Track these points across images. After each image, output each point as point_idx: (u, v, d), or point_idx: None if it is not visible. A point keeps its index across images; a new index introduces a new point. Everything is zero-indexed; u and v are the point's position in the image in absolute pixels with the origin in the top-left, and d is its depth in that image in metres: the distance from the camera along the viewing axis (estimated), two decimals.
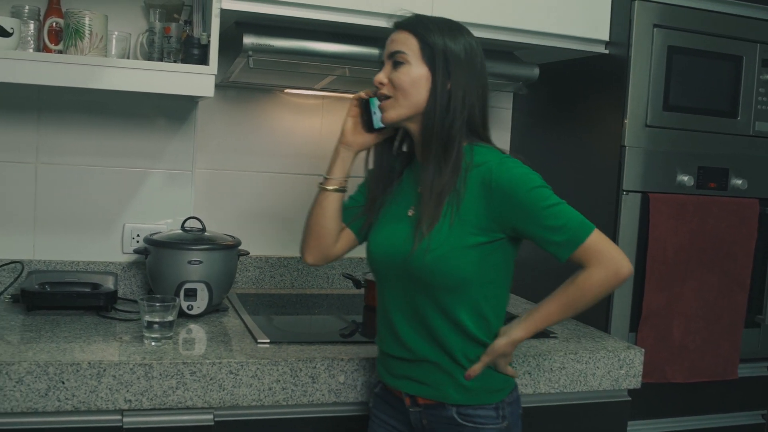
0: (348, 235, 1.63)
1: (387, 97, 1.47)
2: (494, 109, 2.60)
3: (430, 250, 1.41)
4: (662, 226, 2.09)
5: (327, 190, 1.58)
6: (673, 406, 2.20)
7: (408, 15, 1.50)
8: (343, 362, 1.71)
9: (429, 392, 1.48)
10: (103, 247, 2.22)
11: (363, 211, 1.60)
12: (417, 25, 1.46)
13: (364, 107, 1.55)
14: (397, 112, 1.47)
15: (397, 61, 1.46)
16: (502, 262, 1.47)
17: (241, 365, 1.64)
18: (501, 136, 2.61)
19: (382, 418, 1.59)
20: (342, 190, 1.59)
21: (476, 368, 1.46)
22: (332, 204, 1.58)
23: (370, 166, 1.61)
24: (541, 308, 1.45)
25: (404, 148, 1.59)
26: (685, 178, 2.13)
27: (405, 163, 1.59)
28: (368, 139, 1.58)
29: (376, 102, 1.51)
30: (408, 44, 1.45)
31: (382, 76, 1.48)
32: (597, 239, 1.40)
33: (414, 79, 1.44)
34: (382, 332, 1.56)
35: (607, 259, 1.39)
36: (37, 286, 1.93)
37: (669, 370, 2.14)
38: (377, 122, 1.52)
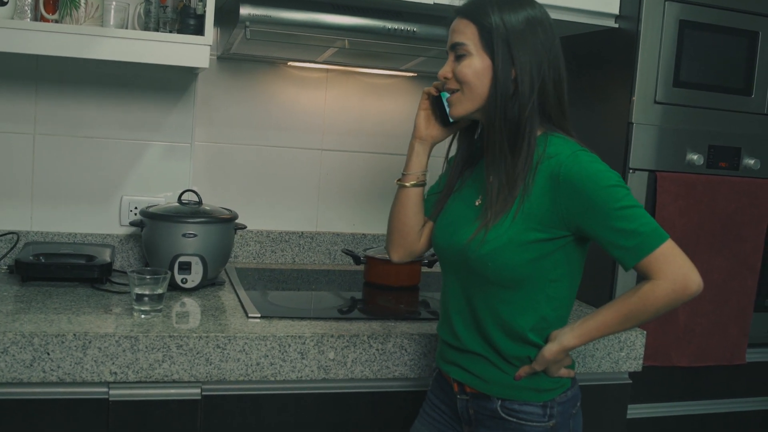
0: (430, 227, 1.58)
1: (454, 91, 1.42)
2: None
3: (487, 241, 1.35)
4: (670, 206, 2.03)
5: (405, 186, 1.54)
6: (676, 389, 2.16)
7: None
8: (333, 338, 1.68)
9: (475, 382, 1.44)
10: (101, 219, 2.21)
11: (439, 199, 1.55)
12: (474, 9, 1.38)
13: (436, 101, 1.50)
14: (464, 106, 1.41)
15: (459, 53, 1.39)
16: (566, 262, 1.38)
17: (229, 339, 1.62)
18: None
19: (435, 402, 1.56)
20: (421, 184, 1.55)
21: (525, 371, 1.40)
22: (412, 199, 1.55)
23: (452, 154, 1.56)
24: (597, 316, 1.35)
25: (476, 137, 1.54)
26: (695, 157, 2.06)
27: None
28: (442, 132, 1.53)
29: (447, 96, 1.46)
30: (467, 34, 1.37)
31: (446, 70, 1.41)
32: (668, 250, 1.29)
33: (477, 71, 1.37)
34: (441, 317, 1.53)
35: (676, 272, 1.28)
36: (31, 257, 1.93)
37: (674, 353, 2.09)
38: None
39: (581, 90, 2.23)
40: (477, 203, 1.45)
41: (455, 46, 1.40)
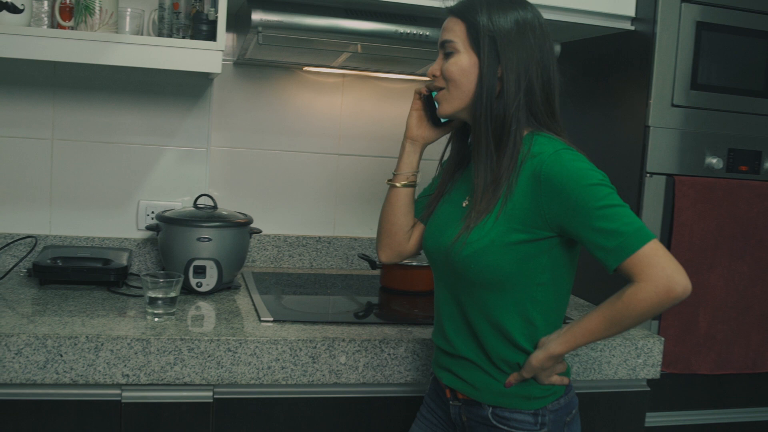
0: (421, 229, 1.58)
1: (441, 89, 1.42)
2: None
3: (469, 243, 1.34)
4: (688, 211, 2.01)
5: (395, 186, 1.55)
6: (697, 397, 2.12)
7: None
8: (345, 343, 1.68)
9: (467, 389, 1.42)
10: (118, 224, 2.24)
11: (429, 201, 1.55)
12: (464, 8, 1.38)
13: (427, 101, 1.51)
14: (451, 104, 1.40)
15: (447, 51, 1.39)
16: (552, 267, 1.35)
17: (240, 343, 1.63)
18: None
19: (431, 406, 1.55)
20: (411, 185, 1.56)
21: (515, 379, 1.38)
22: (402, 200, 1.56)
23: (446, 157, 1.56)
24: (583, 323, 1.32)
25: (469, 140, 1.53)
26: (714, 161, 2.03)
27: None
28: (434, 133, 1.54)
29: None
30: (456, 31, 1.38)
31: (435, 68, 1.42)
32: (653, 250, 1.23)
33: (463, 68, 1.36)
34: (435, 324, 1.52)
35: (659, 275, 1.22)
36: (49, 261, 1.95)
37: (694, 360, 2.06)
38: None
39: (597, 93, 2.21)
40: (464, 204, 1.43)
41: (444, 44, 1.40)
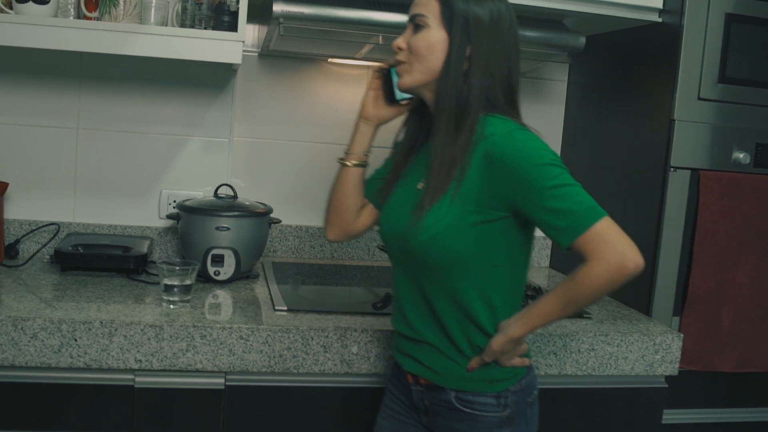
0: (370, 210, 1.58)
1: (403, 64, 1.39)
2: (548, 82, 2.51)
3: (425, 227, 1.33)
4: (713, 206, 1.97)
5: (346, 165, 1.54)
6: (718, 396, 2.08)
7: None
8: (357, 333, 1.68)
9: (428, 374, 1.42)
10: (141, 212, 2.27)
11: (383, 185, 1.54)
12: None
13: (386, 78, 1.48)
14: (411, 77, 1.38)
15: (417, 24, 1.37)
16: (508, 247, 1.35)
17: (252, 331, 1.64)
18: (555, 109, 2.52)
19: (394, 392, 1.55)
20: (362, 165, 1.54)
21: (477, 363, 1.38)
22: (352, 179, 1.54)
23: (400, 138, 1.54)
24: (539, 304, 1.33)
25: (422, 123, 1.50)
26: (741, 156, 1.99)
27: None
28: (389, 112, 1.52)
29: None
30: (429, 7, 1.36)
31: (400, 41, 1.39)
32: (604, 228, 1.23)
33: (431, 43, 1.35)
34: (394, 310, 1.51)
35: (611, 252, 1.22)
36: (70, 248, 1.99)
37: (716, 358, 2.02)
38: (399, 93, 1.45)
39: (623, 86, 2.18)
40: (419, 187, 1.42)
41: (415, 17, 1.38)
